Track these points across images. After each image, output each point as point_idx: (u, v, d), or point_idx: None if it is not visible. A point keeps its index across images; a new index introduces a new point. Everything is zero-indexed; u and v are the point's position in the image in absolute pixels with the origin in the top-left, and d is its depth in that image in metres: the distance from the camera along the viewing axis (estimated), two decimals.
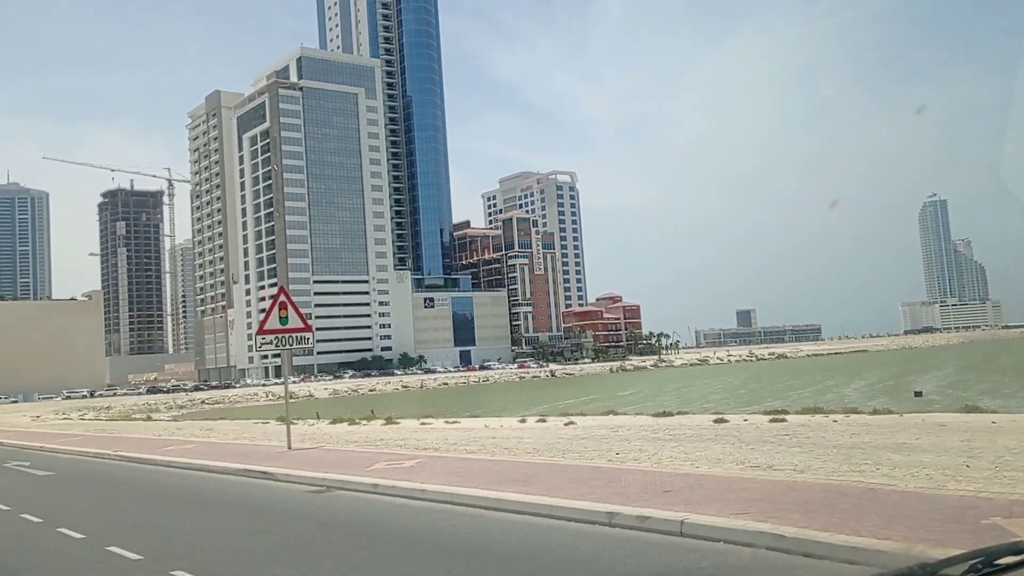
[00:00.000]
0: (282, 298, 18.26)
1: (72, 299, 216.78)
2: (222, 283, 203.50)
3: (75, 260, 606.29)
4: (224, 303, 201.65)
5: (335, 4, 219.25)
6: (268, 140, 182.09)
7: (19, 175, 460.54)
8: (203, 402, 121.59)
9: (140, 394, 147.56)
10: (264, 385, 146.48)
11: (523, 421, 28.72)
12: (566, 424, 25.31)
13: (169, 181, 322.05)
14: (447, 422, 31.23)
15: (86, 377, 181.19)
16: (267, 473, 16.20)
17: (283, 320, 18.15)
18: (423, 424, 30.53)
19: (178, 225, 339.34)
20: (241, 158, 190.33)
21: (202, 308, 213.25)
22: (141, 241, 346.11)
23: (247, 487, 15.32)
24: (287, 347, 18.51)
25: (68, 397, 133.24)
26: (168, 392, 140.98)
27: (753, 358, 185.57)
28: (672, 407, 38.12)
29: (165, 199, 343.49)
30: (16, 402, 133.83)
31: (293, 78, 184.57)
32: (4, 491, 16.35)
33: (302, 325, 18.50)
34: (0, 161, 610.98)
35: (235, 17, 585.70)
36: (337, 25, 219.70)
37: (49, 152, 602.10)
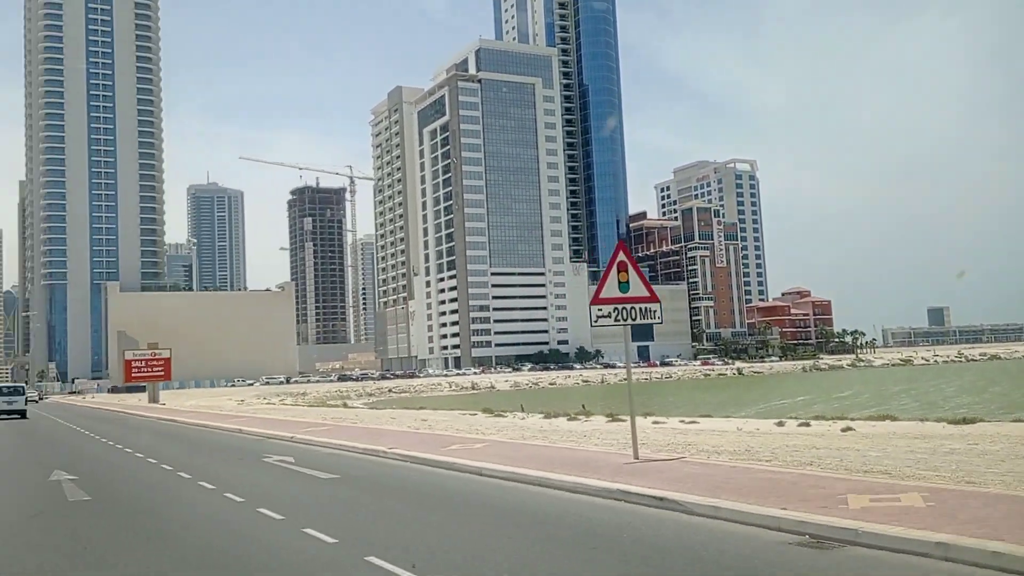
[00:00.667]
0: (621, 257, 13.85)
1: (267, 290, 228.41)
2: (403, 275, 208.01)
3: (267, 254, 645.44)
4: (405, 295, 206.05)
5: None
6: (447, 133, 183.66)
7: (218, 175, 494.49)
8: (390, 391, 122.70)
9: (331, 381, 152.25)
10: (446, 375, 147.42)
11: (781, 424, 24.00)
12: (844, 430, 20.43)
13: (351, 179, 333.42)
14: (683, 421, 26.92)
15: (280, 364, 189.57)
16: (669, 502, 10.38)
17: (623, 287, 13.87)
18: (656, 424, 26.26)
19: (360, 220, 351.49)
20: (421, 152, 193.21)
21: (384, 299, 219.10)
22: (326, 236, 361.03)
23: (656, 525, 9.44)
24: (629, 321, 13.76)
25: (267, 383, 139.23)
26: (356, 380, 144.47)
27: (963, 358, 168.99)
28: (941, 412, 32.15)
29: (347, 196, 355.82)
30: (228, 385, 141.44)
31: (472, 70, 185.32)
32: (307, 505, 12.06)
33: (647, 293, 13.84)
34: (202, 162, 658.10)
35: (416, 15, 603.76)
36: (513, 16, 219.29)
37: (245, 152, 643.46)
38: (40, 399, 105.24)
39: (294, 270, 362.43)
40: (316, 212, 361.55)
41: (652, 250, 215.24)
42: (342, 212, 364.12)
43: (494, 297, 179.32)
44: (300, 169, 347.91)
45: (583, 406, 39.21)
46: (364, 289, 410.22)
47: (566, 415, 31.58)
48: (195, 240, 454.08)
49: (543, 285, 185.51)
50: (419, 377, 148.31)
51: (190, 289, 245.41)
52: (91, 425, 38.36)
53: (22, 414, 47.95)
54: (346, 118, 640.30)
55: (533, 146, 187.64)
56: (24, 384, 68.96)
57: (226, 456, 21.43)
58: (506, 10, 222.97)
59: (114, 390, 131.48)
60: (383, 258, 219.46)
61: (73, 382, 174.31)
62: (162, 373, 69.71)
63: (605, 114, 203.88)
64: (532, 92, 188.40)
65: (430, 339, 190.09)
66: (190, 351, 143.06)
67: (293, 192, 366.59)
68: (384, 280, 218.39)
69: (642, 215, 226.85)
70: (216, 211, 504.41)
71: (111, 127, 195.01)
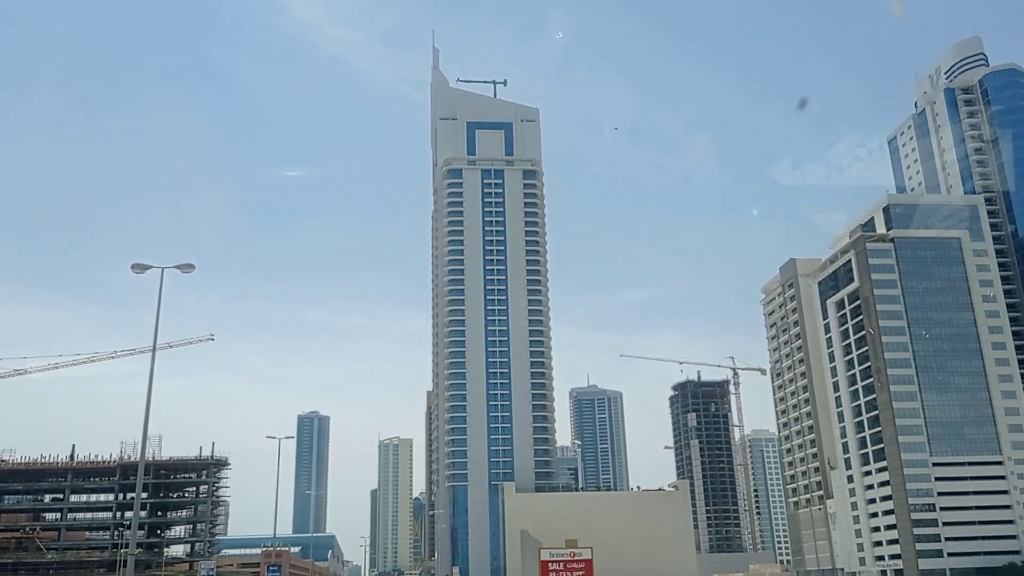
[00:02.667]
0: None
1: (659, 489, 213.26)
2: (816, 470, 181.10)
3: (648, 455, 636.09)
4: (820, 493, 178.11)
5: (910, 144, 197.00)
6: (858, 302, 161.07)
7: (596, 378, 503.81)
8: None
9: None
10: None
11: None
12: None
13: (734, 370, 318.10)
14: None
15: (678, 570, 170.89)
16: None
17: None
18: None
19: (746, 414, 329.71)
20: (826, 326, 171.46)
21: (795, 499, 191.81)
22: (712, 432, 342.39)
23: None
24: None
25: None
26: None
27: None
28: None
29: (731, 388, 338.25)
30: None
31: (880, 229, 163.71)
32: None
33: None
34: (582, 368, 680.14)
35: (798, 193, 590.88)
36: (918, 172, 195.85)
37: (624, 350, 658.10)
38: None
39: (680, 470, 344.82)
40: (700, 407, 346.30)
41: None
42: (727, 406, 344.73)
43: (940, 493, 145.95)
44: (680, 364, 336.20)
45: None
46: (756, 491, 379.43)
47: None
48: (579, 442, 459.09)
49: (1003, 477, 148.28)
50: None
51: (579, 489, 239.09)
52: None
53: None
54: (721, 307, 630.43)
55: (967, 308, 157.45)
56: None
57: None
58: (908, 166, 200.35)
59: None
60: (789, 450, 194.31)
61: None
62: None
63: None
64: (958, 247, 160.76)
65: (859, 546, 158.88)
66: None
67: (675, 388, 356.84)
68: (792, 477, 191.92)
69: None
70: (597, 413, 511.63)
71: (505, 338, 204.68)
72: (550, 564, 55.85)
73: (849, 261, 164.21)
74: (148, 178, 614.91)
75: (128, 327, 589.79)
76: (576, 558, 56.54)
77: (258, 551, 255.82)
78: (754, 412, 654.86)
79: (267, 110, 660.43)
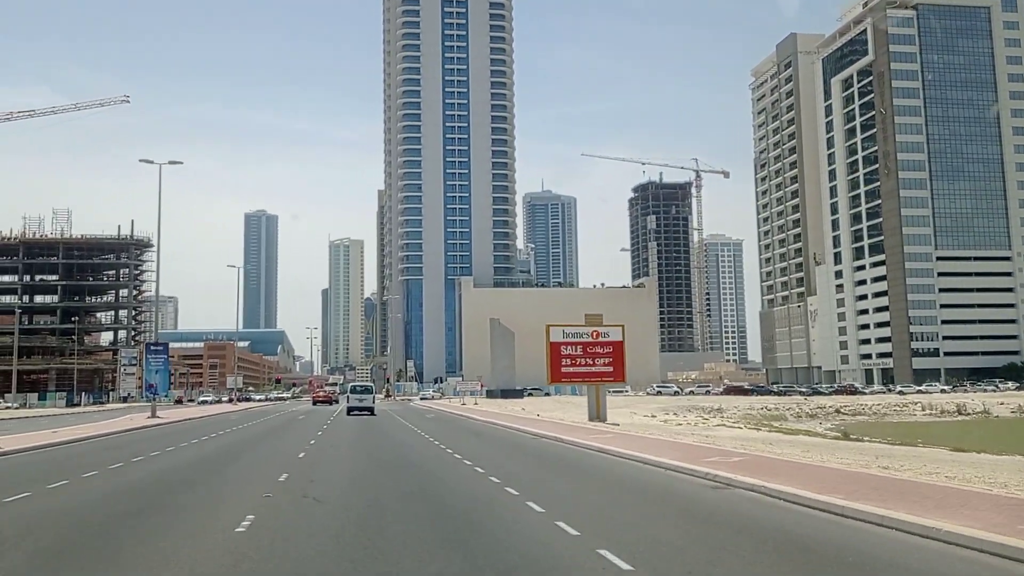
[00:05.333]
0: None
1: (624, 287, 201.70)
2: (797, 267, 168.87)
3: (603, 258, 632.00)
4: (801, 290, 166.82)
5: None
6: (869, 78, 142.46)
7: (552, 183, 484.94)
8: (838, 411, 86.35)
9: (719, 394, 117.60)
10: (900, 392, 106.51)
11: None
12: None
13: (696, 172, 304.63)
14: None
15: (642, 371, 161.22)
16: None
17: None
18: None
19: (706, 218, 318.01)
20: (828, 108, 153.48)
21: (769, 297, 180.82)
22: (671, 236, 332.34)
23: None
24: None
25: (659, 392, 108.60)
26: (779, 395, 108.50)
27: None
28: None
29: (693, 191, 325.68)
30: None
31: None
32: None
33: None
34: (535, 173, 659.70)
35: None
36: None
37: (587, 150, 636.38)
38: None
39: (636, 272, 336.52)
40: (660, 210, 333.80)
41: None
42: (687, 209, 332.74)
43: (942, 290, 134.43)
44: (643, 164, 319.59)
45: None
46: (707, 293, 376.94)
47: None
48: (532, 245, 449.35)
49: (1010, 274, 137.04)
50: (863, 394, 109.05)
51: (539, 287, 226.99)
52: None
53: (371, 411, 52.70)
54: (693, 109, 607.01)
55: (991, 88, 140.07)
56: (372, 384, 75.40)
57: None
58: None
59: (504, 394, 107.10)
60: (767, 246, 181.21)
61: (439, 381, 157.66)
62: (611, 369, 40.11)
63: None
64: (986, 17, 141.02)
65: (842, 345, 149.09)
66: (541, 354, 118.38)
67: (635, 189, 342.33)
68: (769, 274, 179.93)
69: None
70: (550, 218, 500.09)
71: (465, 127, 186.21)
72: (563, 347, 38.99)
73: (863, 32, 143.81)
74: None
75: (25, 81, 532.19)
76: (600, 339, 39.64)
77: (202, 345, 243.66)
78: (713, 216, 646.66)
79: None
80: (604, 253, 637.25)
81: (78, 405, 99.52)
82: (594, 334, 41.34)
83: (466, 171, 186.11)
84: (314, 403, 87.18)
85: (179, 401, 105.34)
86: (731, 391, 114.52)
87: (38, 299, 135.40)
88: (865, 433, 49.54)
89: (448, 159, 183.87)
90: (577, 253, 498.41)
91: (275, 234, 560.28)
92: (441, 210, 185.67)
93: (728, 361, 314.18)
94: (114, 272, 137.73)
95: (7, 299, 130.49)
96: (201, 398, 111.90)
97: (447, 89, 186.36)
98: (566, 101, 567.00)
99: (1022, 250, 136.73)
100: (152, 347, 50.97)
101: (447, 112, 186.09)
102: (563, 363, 40.34)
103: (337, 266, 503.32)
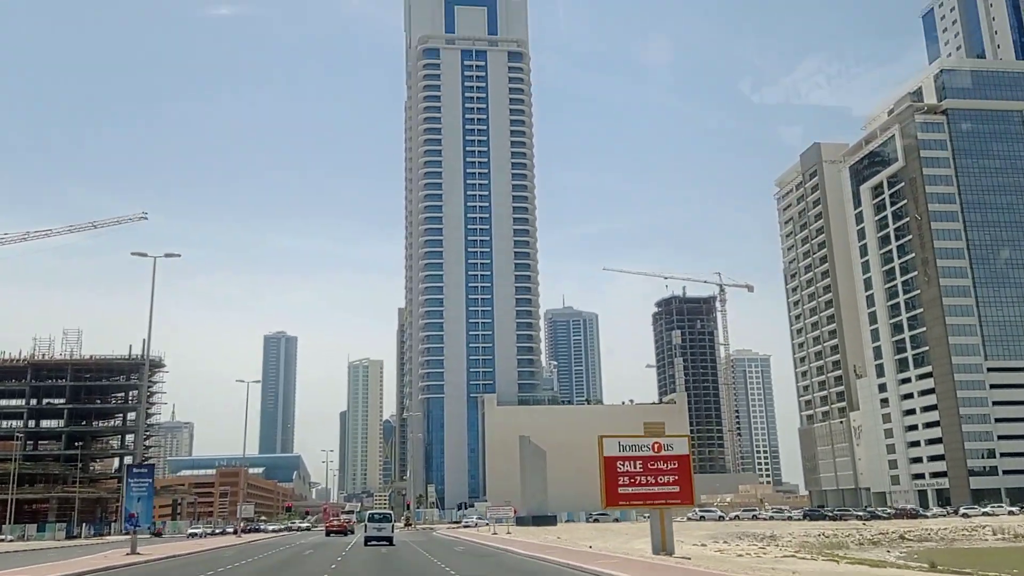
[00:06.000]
0: None
1: (654, 403, 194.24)
2: (837, 380, 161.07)
3: (624, 376, 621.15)
4: (842, 404, 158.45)
5: (950, 16, 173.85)
6: (900, 185, 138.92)
7: (573, 300, 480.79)
8: (902, 537, 77.97)
9: (772, 519, 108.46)
10: (964, 514, 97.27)
11: None
12: None
13: (720, 286, 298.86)
14: None
15: None
16: None
17: None
18: None
19: (732, 334, 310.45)
20: (858, 216, 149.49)
21: (808, 413, 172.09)
22: (696, 352, 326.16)
23: None
24: None
25: (702, 517, 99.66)
26: (833, 519, 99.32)
27: None
28: None
29: (717, 305, 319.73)
30: (618, 520, 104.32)
31: (929, 100, 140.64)
32: None
33: None
34: (555, 290, 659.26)
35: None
36: (959, 48, 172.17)
37: (608, 264, 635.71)
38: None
39: (662, 389, 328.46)
40: (685, 324, 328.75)
41: None
42: (712, 324, 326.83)
43: (995, 403, 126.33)
44: (666, 279, 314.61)
45: None
46: (737, 411, 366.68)
47: None
48: (555, 363, 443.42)
49: None
50: (925, 517, 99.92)
51: (566, 403, 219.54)
52: None
53: (389, 541, 50.88)
54: (712, 223, 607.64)
55: None
56: (391, 512, 70.94)
57: None
58: (947, 42, 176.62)
59: (535, 521, 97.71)
60: (803, 359, 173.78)
61: (462, 507, 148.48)
62: (677, 489, 33.57)
63: None
64: (1019, 121, 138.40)
65: (892, 464, 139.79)
66: (572, 476, 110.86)
67: (659, 304, 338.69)
68: (807, 388, 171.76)
69: None
70: (572, 335, 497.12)
71: (487, 239, 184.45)
72: (619, 463, 32.76)
73: (891, 139, 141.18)
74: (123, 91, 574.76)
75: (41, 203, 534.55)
76: (663, 453, 33.47)
77: (214, 472, 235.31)
78: (738, 331, 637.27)
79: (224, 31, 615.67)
80: (627, 369, 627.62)
81: (78, 536, 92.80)
82: (655, 447, 35.16)
83: (488, 286, 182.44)
84: (328, 533, 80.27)
85: (157, 534, 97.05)
86: (811, 516, 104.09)
87: (45, 423, 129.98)
88: (945, 562, 42.55)
89: (471, 274, 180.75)
90: (600, 369, 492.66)
91: (294, 356, 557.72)
92: (463, 326, 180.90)
93: (763, 483, 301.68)
94: (123, 395, 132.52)
95: (13, 423, 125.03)
96: (191, 529, 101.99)
97: (469, 205, 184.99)
98: (586, 218, 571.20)
99: None
100: (135, 470, 44.46)
101: (469, 227, 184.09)
102: (619, 482, 33.91)
103: (356, 388, 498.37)
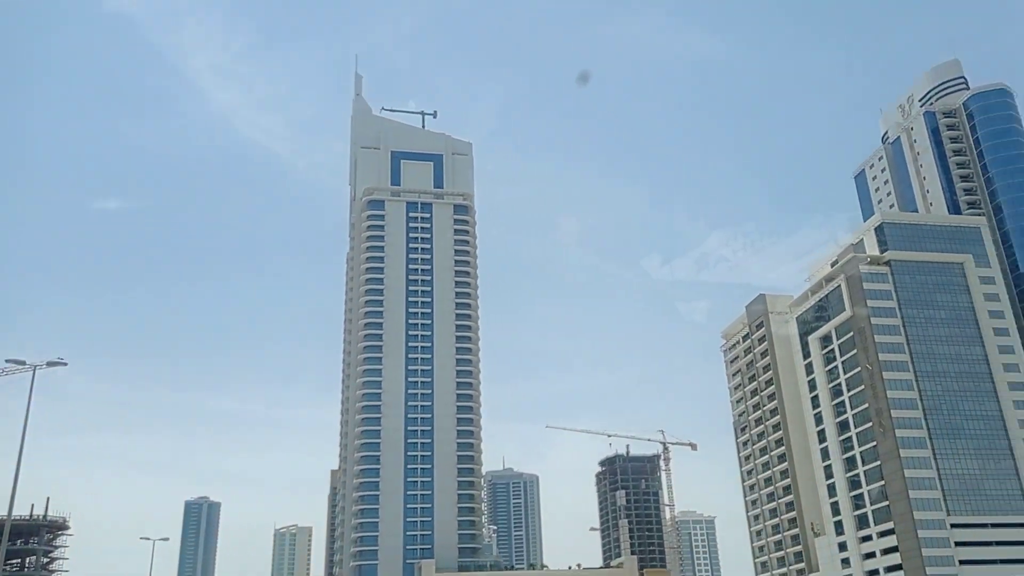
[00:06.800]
0: None
1: (605, 567, 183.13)
2: (793, 539, 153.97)
3: (565, 539, 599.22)
4: (800, 566, 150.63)
5: (882, 176, 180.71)
6: (849, 335, 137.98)
7: (512, 462, 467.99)
8: None
9: None
10: None
11: None
12: None
13: (664, 444, 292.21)
14: None
15: None
16: None
17: None
18: None
19: (676, 493, 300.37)
20: (808, 367, 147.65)
21: (764, 575, 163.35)
22: (641, 511, 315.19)
23: None
24: None
25: None
26: None
27: None
28: None
29: (661, 464, 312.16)
30: None
31: (870, 251, 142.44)
32: None
33: None
34: (495, 452, 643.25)
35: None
36: (892, 206, 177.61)
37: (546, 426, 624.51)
38: None
39: (607, 552, 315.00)
40: (629, 485, 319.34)
41: None
42: (657, 483, 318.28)
43: (962, 562, 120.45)
44: (609, 436, 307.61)
45: None
46: (683, 572, 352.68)
47: None
48: (495, 526, 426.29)
49: None
50: None
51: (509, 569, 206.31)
52: None
53: None
54: (651, 381, 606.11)
55: (977, 342, 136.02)
56: None
57: None
58: (879, 200, 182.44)
59: None
60: (756, 517, 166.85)
61: None
62: None
63: None
64: (961, 273, 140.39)
65: None
66: None
67: (602, 463, 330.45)
68: (762, 549, 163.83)
69: None
70: (512, 497, 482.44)
71: (428, 395, 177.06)
72: None
73: (837, 288, 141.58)
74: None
75: None
76: None
77: None
78: (683, 490, 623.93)
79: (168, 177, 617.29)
80: (569, 531, 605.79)
81: None
82: None
83: (429, 443, 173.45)
84: None
85: None
86: None
87: None
88: None
89: (410, 439, 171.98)
90: (541, 533, 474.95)
91: (215, 522, 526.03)
92: (401, 486, 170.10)
93: None
94: (19, 561, 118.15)
95: None
96: None
97: (410, 368, 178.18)
98: (527, 377, 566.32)
99: None
100: None
101: (410, 391, 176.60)
102: None
103: (281, 556, 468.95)
